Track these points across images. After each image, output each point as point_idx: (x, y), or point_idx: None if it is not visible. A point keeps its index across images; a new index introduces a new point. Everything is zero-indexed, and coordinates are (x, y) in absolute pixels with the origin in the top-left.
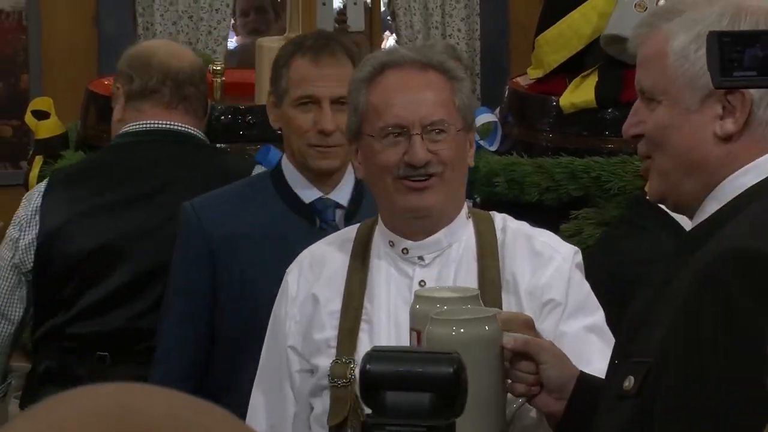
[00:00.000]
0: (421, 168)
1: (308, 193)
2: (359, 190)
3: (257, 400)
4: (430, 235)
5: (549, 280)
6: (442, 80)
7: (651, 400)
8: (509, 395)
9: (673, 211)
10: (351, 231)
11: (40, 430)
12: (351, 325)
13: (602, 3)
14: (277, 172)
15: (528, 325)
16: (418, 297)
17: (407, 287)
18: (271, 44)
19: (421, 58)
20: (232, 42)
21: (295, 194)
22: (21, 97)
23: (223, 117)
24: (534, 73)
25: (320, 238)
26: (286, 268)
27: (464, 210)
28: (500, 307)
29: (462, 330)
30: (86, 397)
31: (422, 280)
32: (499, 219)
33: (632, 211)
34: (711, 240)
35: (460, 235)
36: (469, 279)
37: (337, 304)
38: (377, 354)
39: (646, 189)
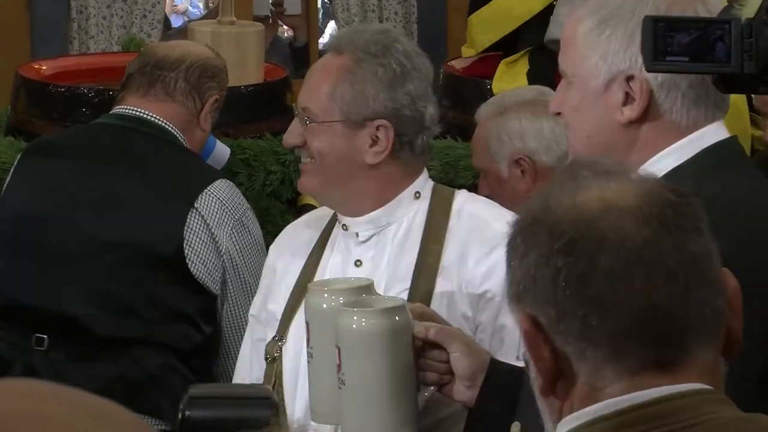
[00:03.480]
0: (297, 150)
1: None
2: None
3: (240, 360)
4: (366, 212)
5: (490, 269)
6: (342, 67)
7: None
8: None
9: None
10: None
11: None
12: (294, 302)
13: None
14: None
15: (425, 317)
16: (310, 289)
17: (346, 264)
18: (203, 28)
19: (343, 42)
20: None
21: None
22: None
23: None
24: (467, 53)
25: None
26: None
27: (411, 190)
28: (432, 294)
29: (373, 321)
30: None
31: (358, 260)
32: (460, 200)
33: None
34: None
35: (402, 215)
36: (406, 261)
37: (293, 279)
38: (196, 400)
39: None
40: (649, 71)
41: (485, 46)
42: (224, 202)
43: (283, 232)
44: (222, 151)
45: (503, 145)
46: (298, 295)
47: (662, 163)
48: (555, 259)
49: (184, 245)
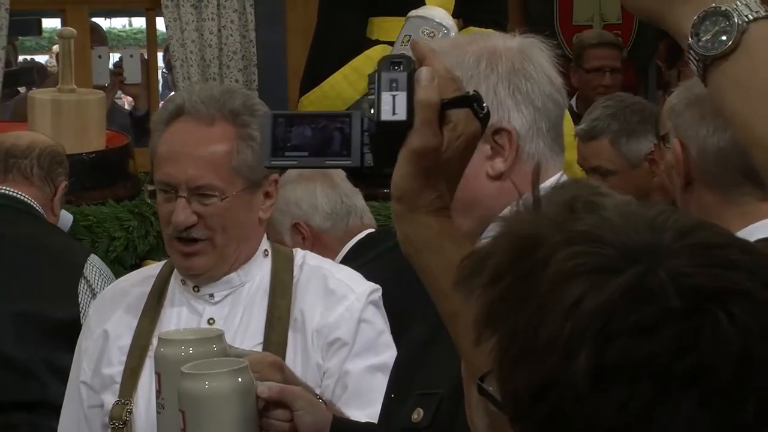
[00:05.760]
0: (185, 231)
1: None
2: None
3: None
4: (220, 276)
5: (338, 319)
6: (228, 135)
7: (449, 429)
8: None
9: None
10: (157, 267)
11: None
12: (135, 363)
13: (363, 64)
14: None
15: (276, 366)
16: (160, 340)
17: (196, 325)
18: (43, 96)
19: (211, 110)
20: None
21: None
22: None
23: None
24: None
25: None
26: None
27: (261, 249)
28: (285, 346)
29: (215, 384)
30: None
31: (211, 318)
32: (300, 256)
33: None
34: None
35: (255, 274)
36: (257, 317)
37: (127, 340)
38: None
39: None
40: (266, 168)
41: None
42: (102, 271)
43: (102, 294)
44: (64, 217)
45: (283, 214)
46: (139, 357)
47: None
48: None
49: (81, 314)
